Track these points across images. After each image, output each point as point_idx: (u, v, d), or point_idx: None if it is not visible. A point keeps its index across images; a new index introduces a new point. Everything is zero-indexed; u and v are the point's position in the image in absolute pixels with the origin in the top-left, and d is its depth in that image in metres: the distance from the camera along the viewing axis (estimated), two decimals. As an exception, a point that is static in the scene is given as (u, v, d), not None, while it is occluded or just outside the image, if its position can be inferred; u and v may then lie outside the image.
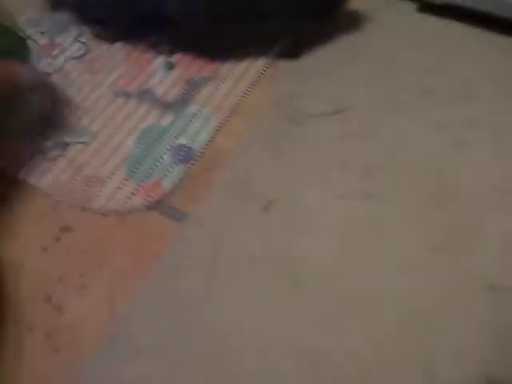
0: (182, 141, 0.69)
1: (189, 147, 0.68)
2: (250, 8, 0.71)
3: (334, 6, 0.78)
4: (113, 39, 0.81)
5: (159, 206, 0.64)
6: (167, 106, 0.73)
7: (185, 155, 0.67)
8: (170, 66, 0.77)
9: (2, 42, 0.68)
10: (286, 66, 0.78)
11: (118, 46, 0.81)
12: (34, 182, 0.67)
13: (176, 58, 0.78)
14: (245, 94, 0.74)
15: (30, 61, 0.72)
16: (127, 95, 0.75)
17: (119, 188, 0.66)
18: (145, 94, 0.74)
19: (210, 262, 0.59)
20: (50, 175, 0.68)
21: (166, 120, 0.71)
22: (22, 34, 0.70)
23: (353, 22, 0.82)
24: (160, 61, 0.78)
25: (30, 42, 0.72)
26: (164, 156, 0.68)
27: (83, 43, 0.82)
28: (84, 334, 0.56)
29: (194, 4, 0.69)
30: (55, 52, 0.81)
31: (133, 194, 0.65)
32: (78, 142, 0.70)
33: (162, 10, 0.70)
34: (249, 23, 0.74)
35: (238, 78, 0.75)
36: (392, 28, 0.82)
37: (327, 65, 0.78)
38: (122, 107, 0.73)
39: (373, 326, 0.54)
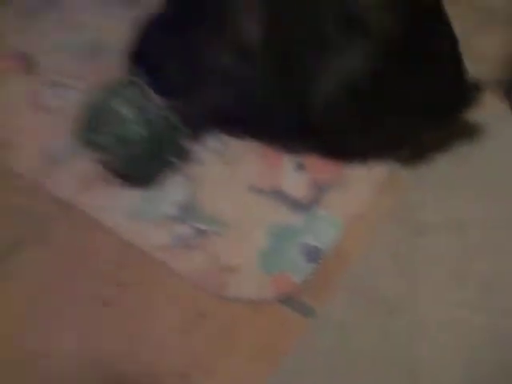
0: (311, 241, 0.76)
1: (317, 247, 0.75)
2: (384, 114, 0.80)
3: (456, 109, 0.84)
4: (247, 137, 0.89)
5: (288, 299, 0.70)
6: (297, 206, 0.80)
7: (313, 254, 0.74)
8: (300, 167, 0.85)
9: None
10: (406, 173, 0.84)
11: (251, 143, 0.89)
12: (173, 264, 0.75)
13: (305, 158, 0.86)
14: (369, 199, 0.80)
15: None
16: (259, 191, 0.82)
17: (251, 278, 0.72)
18: (275, 192, 0.82)
19: (334, 363, 0.64)
20: (188, 260, 0.75)
21: (296, 219, 0.78)
22: None
23: (468, 131, 0.88)
24: (290, 161, 0.86)
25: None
26: (293, 253, 0.74)
27: (219, 138, 0.90)
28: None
29: (340, 114, 0.79)
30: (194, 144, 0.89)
31: (264, 285, 0.71)
32: (214, 232, 0.77)
33: (304, 117, 0.79)
34: (379, 129, 0.81)
35: (363, 183, 0.82)
36: (508, 142, 0.86)
37: (445, 175, 0.83)
38: (254, 202, 0.81)
39: None
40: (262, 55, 0.82)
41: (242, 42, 0.83)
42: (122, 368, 0.66)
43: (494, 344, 0.65)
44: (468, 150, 0.86)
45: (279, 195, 0.81)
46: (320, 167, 0.85)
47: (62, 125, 1.00)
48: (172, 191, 0.84)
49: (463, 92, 0.84)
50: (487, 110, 0.87)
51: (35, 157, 0.93)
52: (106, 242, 0.79)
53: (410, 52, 0.78)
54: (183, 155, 0.86)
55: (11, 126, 1.01)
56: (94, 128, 0.84)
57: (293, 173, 0.84)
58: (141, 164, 0.84)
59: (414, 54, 0.79)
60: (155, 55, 0.85)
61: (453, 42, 0.82)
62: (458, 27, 0.83)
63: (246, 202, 0.81)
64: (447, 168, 0.84)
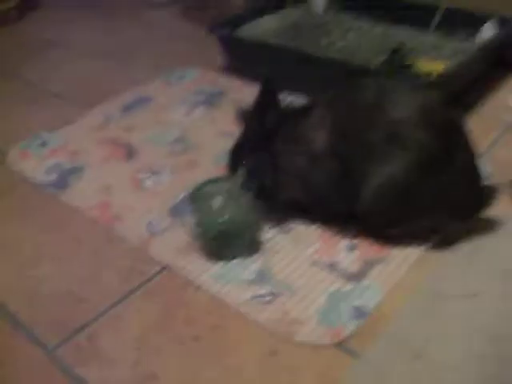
0: (358, 303, 0.99)
1: (363, 308, 0.98)
2: (417, 211, 1.06)
3: (476, 210, 1.09)
4: (311, 221, 1.15)
5: (340, 345, 0.93)
6: (348, 278, 1.04)
7: (360, 313, 0.97)
8: (352, 247, 1.10)
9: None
10: (434, 254, 1.08)
11: (314, 227, 1.15)
12: (252, 315, 0.99)
13: (357, 241, 1.11)
14: (404, 273, 1.04)
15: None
16: (320, 265, 1.07)
17: (313, 329, 0.95)
18: (332, 266, 1.06)
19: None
20: (264, 313, 0.99)
21: (347, 287, 1.02)
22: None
23: (485, 225, 1.12)
24: (345, 242, 1.11)
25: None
26: (345, 312, 0.98)
27: (289, 222, 1.16)
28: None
29: (382, 209, 1.05)
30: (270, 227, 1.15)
31: (322, 334, 0.94)
32: (284, 294, 1.02)
33: (355, 208, 1.06)
34: (413, 222, 1.07)
35: (400, 260, 1.06)
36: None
37: (466, 257, 1.06)
38: (315, 274, 1.06)
39: None
40: (326, 160, 1.08)
41: (312, 150, 1.09)
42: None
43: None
44: (484, 238, 1.10)
45: (335, 268, 1.06)
46: (367, 246, 1.10)
47: (159, 203, 1.27)
48: (250, 263, 1.09)
49: (481, 194, 1.09)
50: (501, 209, 1.12)
51: (139, 228, 1.20)
52: (197, 296, 1.05)
53: (439, 162, 1.02)
54: (255, 247, 1.12)
55: (118, 203, 1.29)
56: (195, 206, 1.10)
57: (346, 250, 1.09)
58: (218, 246, 1.10)
59: (442, 163, 1.02)
60: (246, 161, 1.12)
61: (471, 153, 1.06)
62: (477, 137, 1.09)
63: (309, 272, 1.06)
64: (468, 252, 1.07)
